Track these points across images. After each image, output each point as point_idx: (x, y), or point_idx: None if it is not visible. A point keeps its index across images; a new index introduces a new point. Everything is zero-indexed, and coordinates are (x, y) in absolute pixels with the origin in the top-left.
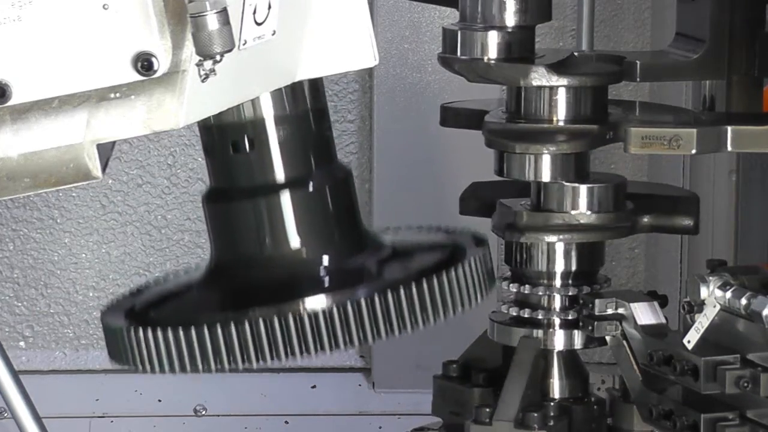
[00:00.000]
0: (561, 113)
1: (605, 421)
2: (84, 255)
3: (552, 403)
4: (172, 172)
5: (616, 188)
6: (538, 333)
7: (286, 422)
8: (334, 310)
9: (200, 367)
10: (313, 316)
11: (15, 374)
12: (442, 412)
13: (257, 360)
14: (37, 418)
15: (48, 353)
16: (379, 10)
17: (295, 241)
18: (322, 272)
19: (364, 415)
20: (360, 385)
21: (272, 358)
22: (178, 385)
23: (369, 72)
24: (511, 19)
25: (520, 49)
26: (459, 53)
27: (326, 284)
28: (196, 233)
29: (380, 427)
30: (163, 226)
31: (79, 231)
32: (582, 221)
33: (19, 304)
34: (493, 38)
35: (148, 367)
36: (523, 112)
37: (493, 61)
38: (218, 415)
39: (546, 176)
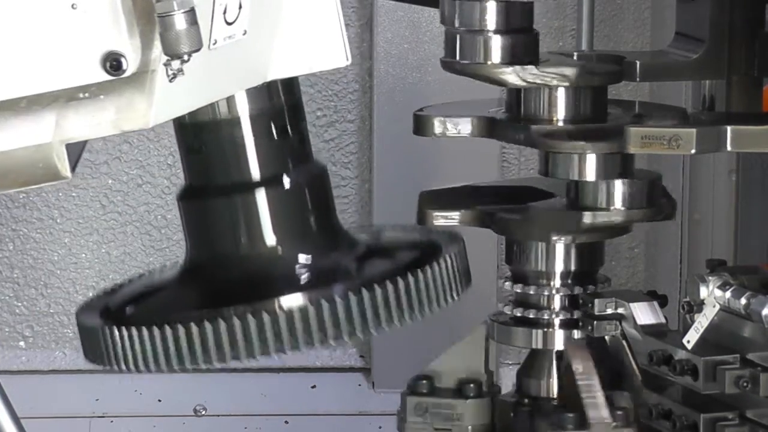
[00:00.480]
0: (561, 113)
1: None
2: (84, 255)
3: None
4: (172, 172)
5: (651, 183)
6: (538, 333)
7: (286, 422)
8: (307, 308)
9: (177, 365)
10: (287, 314)
11: None
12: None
13: (232, 357)
14: (15, 418)
15: (48, 353)
16: (379, 10)
17: (268, 238)
18: (296, 270)
19: (364, 415)
20: (360, 385)
21: (247, 357)
22: (178, 385)
23: (369, 72)
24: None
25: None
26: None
27: (299, 282)
28: None
29: (380, 427)
30: (163, 226)
31: (79, 231)
32: (623, 218)
33: (19, 304)
34: (507, 41)
35: (123, 366)
36: (524, 113)
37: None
38: (218, 415)
39: (591, 175)
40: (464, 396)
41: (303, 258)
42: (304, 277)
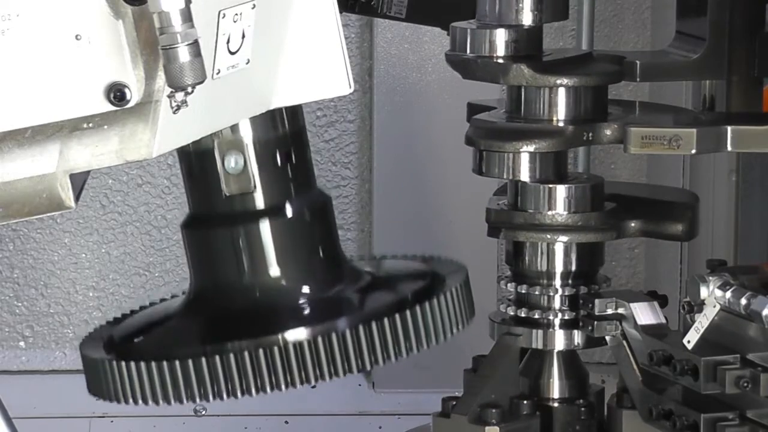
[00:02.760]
0: (561, 113)
1: (593, 423)
2: (84, 255)
3: (525, 402)
4: (172, 172)
5: (593, 188)
6: (538, 333)
7: (286, 422)
8: (309, 344)
9: (183, 399)
10: (289, 350)
11: None
12: None
13: (232, 394)
14: (7, 418)
15: (48, 353)
16: None
17: (270, 270)
18: (300, 302)
19: (364, 415)
20: (360, 385)
21: (247, 393)
22: None
23: (369, 72)
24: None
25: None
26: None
27: (303, 315)
28: None
29: (380, 427)
30: (163, 226)
31: (79, 231)
32: (559, 221)
33: (19, 304)
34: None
35: (130, 400)
36: (523, 112)
37: (501, 59)
38: (218, 415)
39: (524, 176)
40: (524, 413)
41: (305, 290)
42: (306, 310)
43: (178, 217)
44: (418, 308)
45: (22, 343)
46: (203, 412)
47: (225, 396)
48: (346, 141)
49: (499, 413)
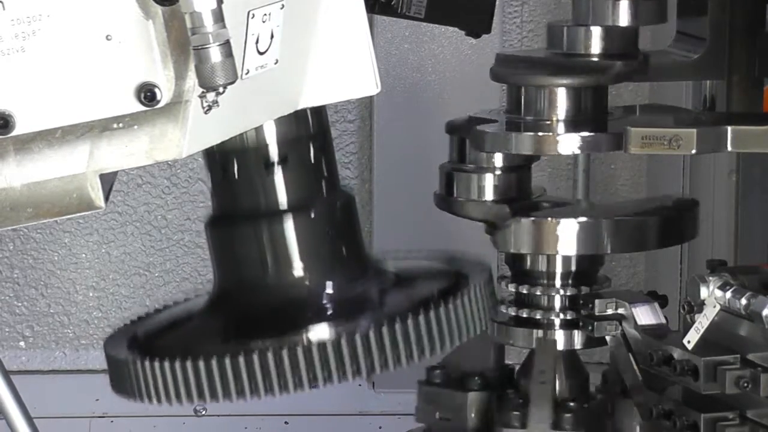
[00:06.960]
0: (561, 113)
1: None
2: (84, 255)
3: (584, 405)
4: (172, 172)
5: None
6: (539, 333)
7: (286, 422)
8: (329, 345)
9: (207, 398)
10: (309, 350)
11: (6, 374)
12: (429, 418)
13: (251, 394)
14: (29, 419)
15: (48, 353)
16: None
17: (294, 268)
18: (323, 301)
19: (364, 415)
20: (360, 385)
21: (266, 393)
22: None
23: None
24: None
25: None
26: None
27: (326, 315)
28: (196, 233)
29: (380, 427)
30: (163, 226)
31: (79, 231)
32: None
33: (19, 304)
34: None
35: (155, 399)
36: (524, 113)
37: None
38: (218, 415)
39: None
40: (466, 389)
41: (328, 289)
42: (328, 310)
43: (178, 217)
44: (434, 311)
45: (22, 343)
46: (203, 413)
47: (239, 397)
48: (346, 141)
49: (575, 419)
